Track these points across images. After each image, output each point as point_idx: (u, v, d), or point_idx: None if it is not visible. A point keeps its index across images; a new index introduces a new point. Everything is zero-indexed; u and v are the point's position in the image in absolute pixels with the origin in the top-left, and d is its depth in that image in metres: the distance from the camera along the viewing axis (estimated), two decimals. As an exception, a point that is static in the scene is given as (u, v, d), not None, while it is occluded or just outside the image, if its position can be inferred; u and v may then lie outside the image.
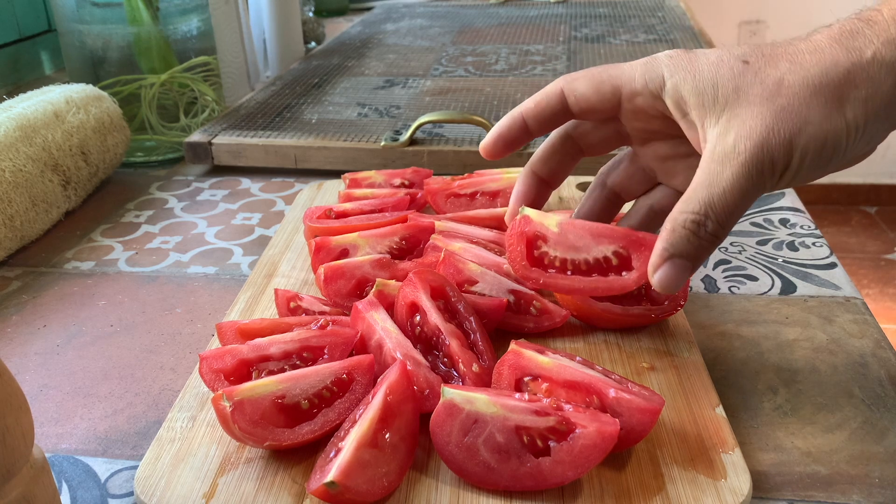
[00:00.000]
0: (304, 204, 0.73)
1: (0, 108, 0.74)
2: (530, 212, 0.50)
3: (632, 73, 0.44)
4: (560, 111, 0.47)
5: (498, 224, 0.64)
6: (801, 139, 0.38)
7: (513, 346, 0.46)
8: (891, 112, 0.39)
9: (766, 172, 0.39)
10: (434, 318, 0.48)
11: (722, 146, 0.40)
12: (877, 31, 0.38)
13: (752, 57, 0.41)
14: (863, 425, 0.46)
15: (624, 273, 0.48)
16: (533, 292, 0.54)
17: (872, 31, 0.38)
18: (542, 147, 0.51)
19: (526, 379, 0.45)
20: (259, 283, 0.60)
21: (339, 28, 1.55)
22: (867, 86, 0.38)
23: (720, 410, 0.45)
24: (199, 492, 0.41)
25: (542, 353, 0.45)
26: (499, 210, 0.65)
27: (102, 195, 0.83)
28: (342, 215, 0.66)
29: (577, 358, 0.46)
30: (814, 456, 0.44)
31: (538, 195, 0.52)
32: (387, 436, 0.41)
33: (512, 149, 0.49)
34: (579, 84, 0.46)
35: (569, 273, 0.49)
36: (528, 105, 0.48)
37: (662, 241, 0.41)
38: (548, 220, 0.49)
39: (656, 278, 0.41)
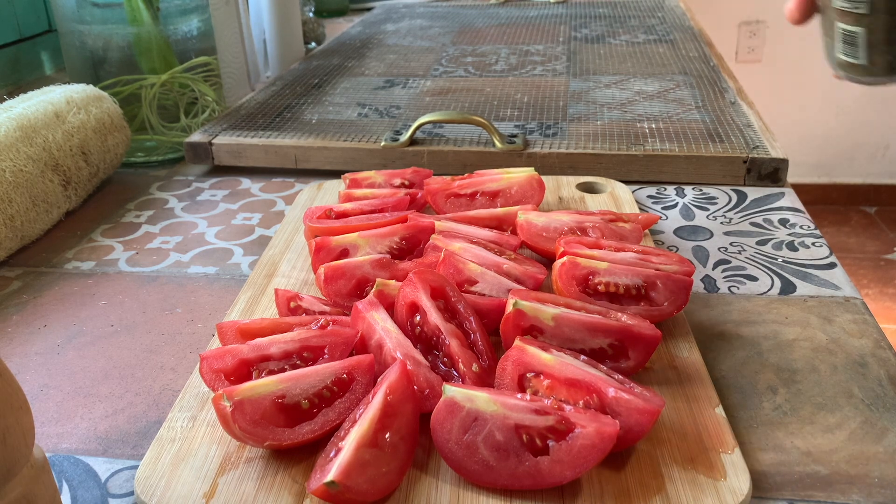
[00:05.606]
0: (304, 204, 0.73)
1: (0, 108, 0.74)
2: (524, 305, 0.48)
3: None
4: None
5: (498, 224, 0.64)
6: None
7: (517, 342, 0.46)
8: None
9: None
10: (434, 318, 0.48)
11: None
12: None
13: None
14: (862, 425, 0.46)
15: (622, 361, 0.48)
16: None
17: None
18: None
19: (528, 375, 0.45)
20: (259, 283, 0.60)
21: (339, 28, 1.55)
22: None
23: (720, 410, 0.45)
24: (200, 491, 0.41)
25: (545, 349, 0.46)
26: (499, 210, 0.65)
27: (103, 195, 0.83)
28: (342, 215, 0.66)
29: (582, 357, 0.46)
30: (813, 456, 0.44)
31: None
32: (387, 436, 0.41)
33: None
34: None
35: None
36: None
37: None
38: (543, 314, 0.48)
39: None
